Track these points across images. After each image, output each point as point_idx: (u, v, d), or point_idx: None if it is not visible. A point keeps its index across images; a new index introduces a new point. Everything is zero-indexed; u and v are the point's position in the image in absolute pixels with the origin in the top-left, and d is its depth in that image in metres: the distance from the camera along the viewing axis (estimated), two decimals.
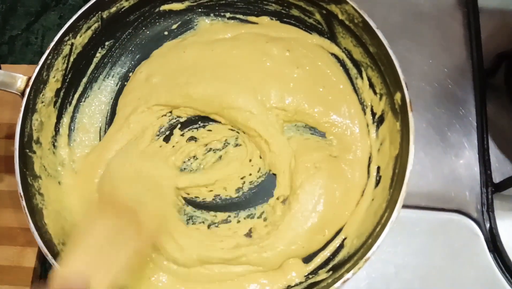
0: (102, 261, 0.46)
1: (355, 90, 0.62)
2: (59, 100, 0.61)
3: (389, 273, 0.60)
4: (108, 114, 0.65)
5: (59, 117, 0.61)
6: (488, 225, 0.61)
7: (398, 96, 0.53)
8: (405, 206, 0.61)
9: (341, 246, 0.55)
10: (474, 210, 0.62)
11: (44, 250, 0.48)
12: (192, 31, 0.68)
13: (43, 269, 0.66)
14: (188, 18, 0.68)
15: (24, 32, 0.79)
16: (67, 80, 0.61)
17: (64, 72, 0.60)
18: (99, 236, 0.47)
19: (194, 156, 0.61)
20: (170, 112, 0.63)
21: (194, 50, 0.64)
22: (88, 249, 0.46)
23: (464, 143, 0.66)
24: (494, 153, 0.65)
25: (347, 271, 0.46)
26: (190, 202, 0.60)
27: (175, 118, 0.64)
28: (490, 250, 0.60)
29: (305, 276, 0.54)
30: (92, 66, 0.64)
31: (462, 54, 0.70)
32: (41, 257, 0.66)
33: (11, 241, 0.66)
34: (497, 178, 0.63)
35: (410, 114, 0.50)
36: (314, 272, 0.54)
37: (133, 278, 0.53)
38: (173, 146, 0.62)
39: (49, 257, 0.48)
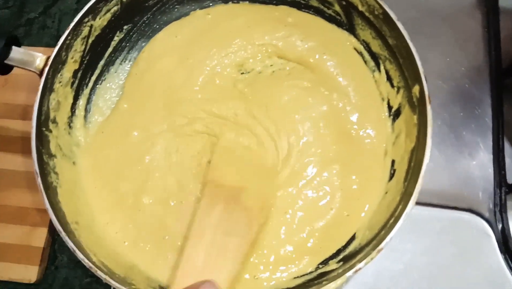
0: (222, 254, 0.48)
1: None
2: (76, 81, 0.61)
3: (398, 270, 0.59)
4: None
5: (76, 98, 0.61)
6: (500, 226, 0.61)
7: (416, 88, 0.53)
8: (417, 203, 0.60)
9: (352, 238, 0.55)
10: (486, 210, 0.62)
11: (58, 227, 0.49)
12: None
13: (52, 250, 0.67)
14: (205, 5, 0.68)
15: (41, 16, 0.80)
16: (85, 61, 0.61)
17: (82, 53, 0.60)
18: (213, 228, 0.49)
19: None
20: None
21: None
22: (204, 249, 0.48)
23: (479, 143, 0.65)
24: (509, 154, 0.64)
25: (359, 261, 0.46)
26: None
27: None
28: (501, 251, 0.60)
29: (315, 266, 0.54)
30: (109, 49, 0.64)
31: (480, 54, 0.70)
32: (50, 238, 0.67)
33: (21, 220, 0.67)
34: (511, 178, 0.62)
35: (428, 107, 0.50)
36: (325, 262, 0.54)
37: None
38: None
39: (63, 234, 0.48)
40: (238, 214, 0.51)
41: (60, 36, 0.56)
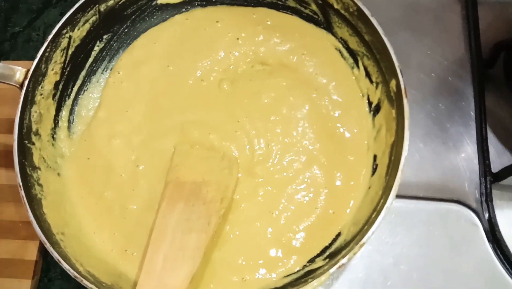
0: (180, 255, 0.49)
1: None
2: (58, 93, 0.61)
3: (388, 264, 0.60)
4: None
5: (58, 110, 0.62)
6: (487, 215, 0.61)
7: (393, 83, 0.53)
8: (404, 197, 0.62)
9: (338, 234, 0.55)
10: (473, 200, 0.62)
11: (43, 238, 0.49)
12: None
13: (44, 262, 0.67)
14: (183, 10, 0.68)
15: (26, 29, 0.80)
16: (66, 73, 0.62)
17: (62, 65, 0.61)
18: (172, 229, 0.50)
19: None
20: None
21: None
22: (163, 252, 0.49)
23: (463, 133, 0.66)
24: (493, 143, 0.65)
25: (343, 257, 0.46)
26: None
27: None
28: (489, 240, 0.60)
29: (303, 265, 0.55)
30: (90, 59, 0.65)
31: (461, 46, 0.70)
32: (42, 250, 0.67)
33: (13, 234, 0.66)
34: (495, 168, 0.63)
35: (405, 101, 0.50)
36: (311, 260, 0.54)
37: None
38: None
39: (47, 245, 0.49)
40: (198, 208, 0.52)
41: None
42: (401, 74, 0.52)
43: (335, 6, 0.59)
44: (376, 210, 0.49)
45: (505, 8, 0.72)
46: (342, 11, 0.59)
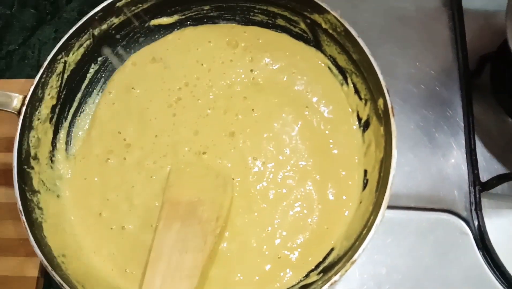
0: (178, 275, 0.50)
1: None
2: (55, 116, 0.63)
3: (381, 274, 0.61)
4: None
5: (56, 133, 0.63)
6: (476, 224, 0.62)
7: (380, 102, 0.55)
8: (395, 207, 0.63)
9: (331, 249, 0.56)
10: (462, 209, 0.63)
11: (44, 262, 0.50)
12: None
13: (46, 279, 0.68)
14: (176, 30, 0.69)
15: (21, 47, 0.81)
16: (62, 96, 0.63)
17: (58, 89, 0.62)
18: (169, 249, 0.52)
19: None
20: None
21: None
22: (161, 273, 0.50)
23: (452, 143, 0.67)
24: (481, 152, 0.66)
25: (335, 273, 0.48)
26: None
27: None
28: (479, 248, 0.61)
29: (298, 280, 0.56)
30: (86, 82, 0.66)
31: (448, 56, 0.71)
32: (43, 267, 0.68)
33: (13, 252, 0.67)
34: (484, 177, 0.64)
35: (392, 120, 0.52)
36: (306, 275, 0.56)
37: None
38: None
39: (49, 269, 0.50)
40: (194, 228, 0.53)
41: (40, 66, 0.58)
42: (388, 93, 0.53)
43: (323, 26, 0.61)
44: (367, 227, 0.50)
45: (490, 19, 0.73)
46: (330, 31, 0.61)
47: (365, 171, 0.59)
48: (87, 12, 0.61)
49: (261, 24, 0.67)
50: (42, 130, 0.60)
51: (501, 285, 0.59)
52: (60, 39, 0.60)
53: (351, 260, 0.47)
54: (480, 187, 0.63)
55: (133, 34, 0.68)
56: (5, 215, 0.68)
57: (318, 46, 0.65)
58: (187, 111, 0.64)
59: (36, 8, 0.83)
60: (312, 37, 0.65)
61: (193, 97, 0.65)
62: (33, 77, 0.59)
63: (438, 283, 0.60)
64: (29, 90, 0.57)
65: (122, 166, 0.62)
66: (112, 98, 0.66)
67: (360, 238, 0.50)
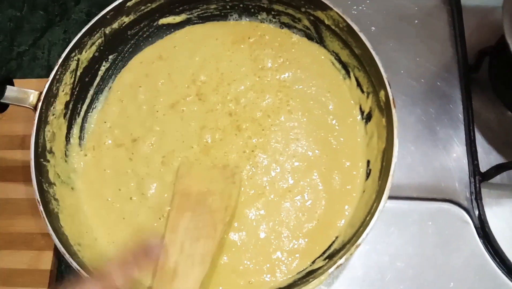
0: (190, 261, 0.52)
1: None
2: (69, 112, 0.65)
3: (384, 262, 0.62)
4: None
5: (69, 128, 0.65)
6: (477, 213, 0.64)
7: (382, 94, 0.57)
8: (397, 198, 0.65)
9: (336, 236, 0.58)
10: (463, 199, 0.65)
11: (62, 250, 0.52)
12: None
13: (59, 271, 0.70)
14: (184, 28, 0.72)
15: (31, 48, 0.83)
16: (75, 93, 0.65)
17: (72, 85, 0.64)
18: (181, 237, 0.54)
19: None
20: None
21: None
22: (174, 260, 0.52)
23: (452, 135, 0.68)
24: (481, 144, 0.67)
25: (340, 257, 0.50)
26: None
27: None
28: (479, 236, 0.62)
29: (305, 266, 0.58)
30: (97, 79, 0.68)
31: (448, 52, 0.73)
32: (56, 260, 0.70)
33: (28, 246, 0.69)
34: (484, 167, 0.65)
35: (393, 111, 0.54)
36: (312, 261, 0.57)
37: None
38: None
39: (67, 256, 0.52)
40: (205, 217, 0.55)
41: (50, 66, 0.60)
42: (389, 85, 0.55)
43: (326, 22, 0.63)
44: (370, 213, 0.52)
45: (488, 14, 0.75)
46: (333, 27, 0.63)
47: (368, 162, 0.61)
48: (95, 14, 0.64)
49: (265, 22, 0.70)
50: (56, 125, 0.62)
51: (502, 271, 0.61)
52: (69, 40, 0.62)
53: (356, 244, 0.49)
54: (480, 177, 0.65)
55: (142, 33, 0.70)
56: (25, 210, 0.70)
57: (321, 41, 0.67)
58: (195, 107, 0.67)
59: (45, 10, 0.85)
60: (315, 33, 0.67)
61: (200, 94, 0.68)
62: (44, 77, 0.62)
63: (440, 270, 0.62)
64: (44, 87, 0.60)
65: (132, 160, 0.64)
66: (120, 95, 0.69)
67: (364, 224, 0.52)
